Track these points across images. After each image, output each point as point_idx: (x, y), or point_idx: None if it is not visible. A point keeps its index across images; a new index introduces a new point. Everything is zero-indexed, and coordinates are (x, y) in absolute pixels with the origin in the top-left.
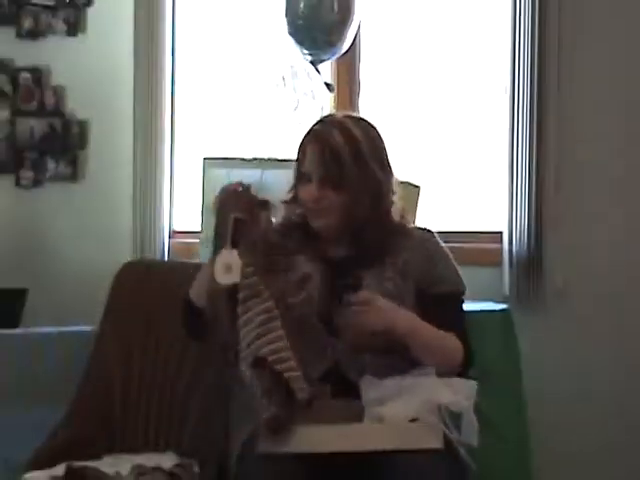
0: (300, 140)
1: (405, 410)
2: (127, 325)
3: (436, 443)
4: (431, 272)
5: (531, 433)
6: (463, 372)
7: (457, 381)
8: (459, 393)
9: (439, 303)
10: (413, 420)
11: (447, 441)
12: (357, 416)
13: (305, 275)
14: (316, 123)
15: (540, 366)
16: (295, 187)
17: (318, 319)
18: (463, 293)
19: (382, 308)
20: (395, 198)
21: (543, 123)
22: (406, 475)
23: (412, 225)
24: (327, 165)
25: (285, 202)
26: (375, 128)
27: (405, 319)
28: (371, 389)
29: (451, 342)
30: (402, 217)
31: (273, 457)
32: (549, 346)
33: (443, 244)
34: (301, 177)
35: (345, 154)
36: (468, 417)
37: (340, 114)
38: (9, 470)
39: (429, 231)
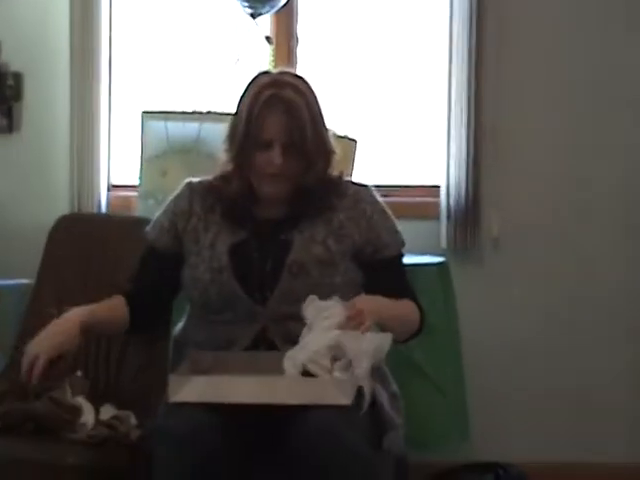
0: (250, 100)
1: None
2: (63, 278)
3: (345, 399)
4: (370, 237)
5: (466, 382)
6: (419, 332)
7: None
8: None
9: (386, 268)
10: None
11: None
12: (270, 369)
13: (232, 244)
14: (266, 82)
15: (477, 315)
16: (244, 150)
17: (233, 272)
18: (402, 249)
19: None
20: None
21: (480, 76)
22: (312, 430)
23: (349, 180)
24: (292, 132)
25: (232, 164)
26: (311, 85)
27: (368, 304)
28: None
29: (409, 309)
30: (340, 173)
31: (185, 406)
32: (486, 295)
33: (380, 200)
34: (258, 141)
35: (307, 121)
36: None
37: (283, 72)
38: None
39: (366, 187)
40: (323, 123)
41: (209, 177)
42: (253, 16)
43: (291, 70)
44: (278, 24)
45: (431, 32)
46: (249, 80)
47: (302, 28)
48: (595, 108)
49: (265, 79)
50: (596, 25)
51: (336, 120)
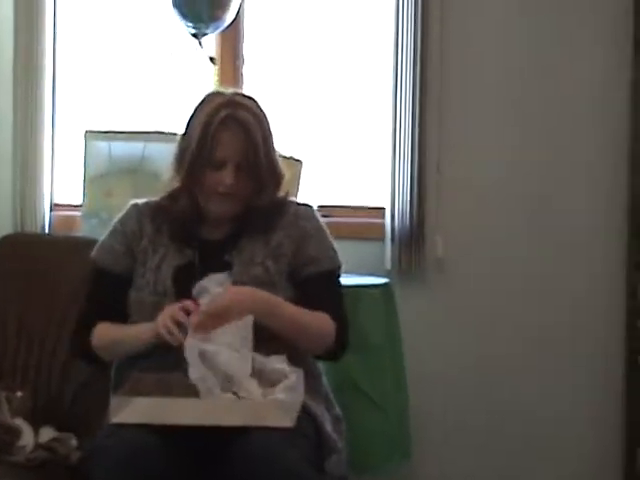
0: (205, 119)
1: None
2: (4, 298)
3: (287, 422)
4: (303, 253)
5: (410, 403)
6: (338, 351)
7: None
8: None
9: (312, 284)
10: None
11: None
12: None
13: (176, 266)
14: (220, 103)
15: (421, 336)
16: (195, 169)
17: (177, 291)
18: (338, 269)
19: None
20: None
21: (424, 98)
22: (255, 451)
23: (292, 200)
24: (246, 153)
25: (180, 183)
26: (261, 107)
27: (262, 301)
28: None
29: (320, 322)
30: (286, 194)
31: (125, 427)
32: (430, 316)
33: (321, 220)
34: (209, 160)
35: (260, 143)
36: None
37: (236, 93)
38: None
39: (308, 206)
40: (274, 146)
41: (155, 198)
42: (196, 36)
43: (242, 91)
44: (223, 44)
45: (376, 53)
46: (199, 100)
47: (248, 48)
48: (543, 128)
49: (219, 99)
50: (550, 41)
51: (282, 141)
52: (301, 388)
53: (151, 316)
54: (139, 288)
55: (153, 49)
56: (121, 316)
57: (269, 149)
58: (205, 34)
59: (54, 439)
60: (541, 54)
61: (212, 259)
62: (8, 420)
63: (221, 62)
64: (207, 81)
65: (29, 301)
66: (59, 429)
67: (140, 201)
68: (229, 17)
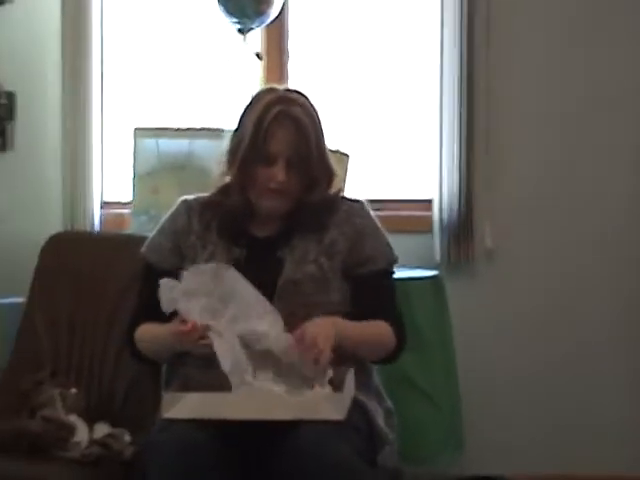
0: (258, 114)
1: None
2: (54, 297)
3: (338, 415)
4: (359, 251)
5: (461, 396)
6: (397, 354)
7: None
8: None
9: (369, 283)
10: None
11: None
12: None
13: (224, 252)
14: (272, 99)
15: (472, 328)
16: (247, 164)
17: None
18: (394, 264)
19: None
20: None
21: (472, 90)
22: (306, 445)
23: (343, 196)
24: (298, 149)
25: (231, 179)
26: (313, 104)
27: (332, 328)
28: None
29: (381, 333)
30: (338, 191)
31: (177, 422)
32: (480, 308)
33: (373, 215)
34: (261, 155)
35: (313, 140)
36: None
37: (289, 90)
38: None
39: (359, 202)
40: (325, 143)
41: (204, 194)
42: (242, 32)
43: (294, 88)
44: (268, 39)
45: (421, 44)
46: (252, 96)
47: (293, 43)
48: (589, 123)
49: (272, 95)
50: (593, 42)
51: (329, 135)
52: (352, 383)
53: None
54: None
55: (200, 46)
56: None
57: (321, 145)
58: (250, 29)
59: (108, 435)
60: (583, 53)
61: (262, 256)
62: (62, 417)
63: (267, 57)
64: (253, 77)
65: (79, 299)
66: (113, 425)
67: (190, 197)
68: (274, 12)
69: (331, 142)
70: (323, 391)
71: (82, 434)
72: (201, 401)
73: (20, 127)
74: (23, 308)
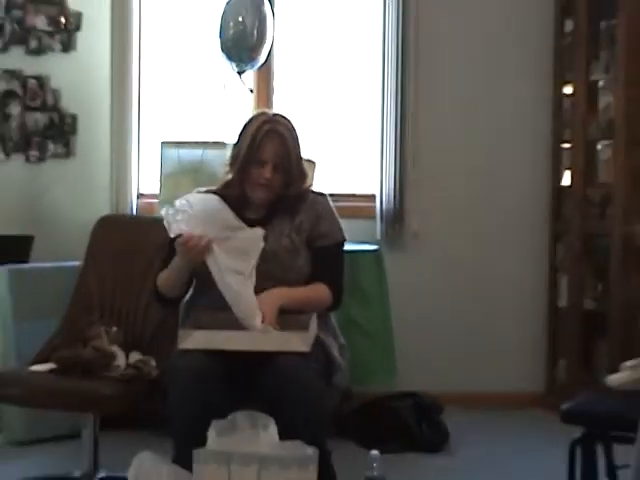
0: (252, 132)
1: None
2: (102, 261)
3: (303, 347)
4: (317, 230)
5: (395, 334)
6: (333, 308)
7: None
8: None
9: (321, 254)
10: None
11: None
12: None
13: None
14: (264, 120)
15: (401, 287)
16: (244, 166)
17: None
18: (343, 242)
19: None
20: None
21: (405, 115)
22: (280, 370)
23: (311, 189)
24: (281, 157)
25: (231, 177)
26: (293, 124)
27: (277, 298)
28: None
29: (320, 292)
30: (308, 187)
31: (189, 352)
32: (408, 276)
33: (331, 204)
34: (255, 160)
35: (292, 151)
36: None
37: (274, 113)
38: (21, 362)
39: (322, 194)
40: (300, 153)
41: (213, 187)
42: (239, 73)
43: (278, 112)
44: (259, 78)
45: (369, 85)
46: (249, 118)
47: (277, 81)
48: (493, 138)
49: (263, 117)
50: (509, 75)
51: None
52: (315, 326)
53: (208, 276)
54: None
55: (209, 81)
56: None
57: (297, 154)
58: (245, 71)
59: (139, 361)
60: (487, 83)
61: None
62: (107, 347)
63: (257, 91)
64: (247, 105)
65: (119, 263)
66: (143, 354)
67: (202, 189)
68: (262, 59)
69: (303, 152)
70: (295, 331)
71: (121, 360)
72: (207, 336)
73: (80, 140)
74: (79, 269)
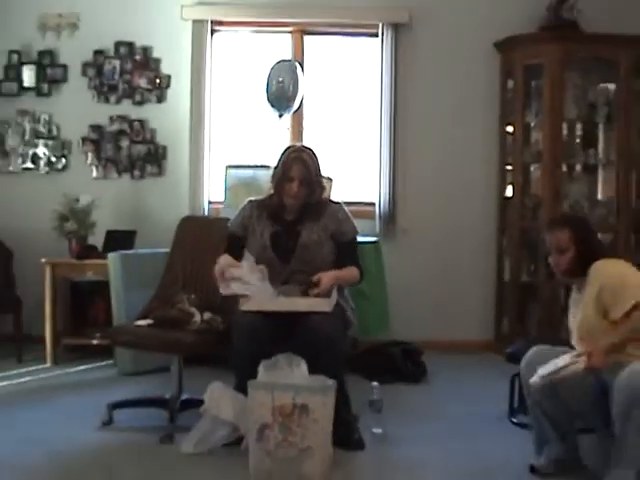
0: (284, 159)
1: None
2: (184, 248)
3: (326, 308)
4: (340, 230)
5: (389, 299)
6: (360, 281)
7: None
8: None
9: (347, 247)
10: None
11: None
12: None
13: (272, 232)
14: (292, 150)
15: (394, 267)
16: (280, 182)
17: (273, 247)
18: (357, 235)
19: (326, 282)
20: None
21: (396, 144)
22: (312, 324)
23: (330, 199)
24: (304, 175)
25: (273, 190)
26: (315, 154)
27: (334, 277)
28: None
29: (354, 272)
30: (327, 197)
31: (247, 312)
32: (399, 261)
33: (346, 209)
34: (287, 178)
35: (311, 170)
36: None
37: (301, 145)
38: (129, 319)
39: (339, 203)
40: (319, 173)
41: (260, 197)
42: (280, 116)
43: (304, 144)
44: (293, 119)
45: (370, 119)
46: (283, 149)
47: (306, 122)
48: (458, 162)
49: (292, 148)
50: (469, 117)
51: (322, 165)
52: (335, 295)
53: (259, 259)
54: (253, 243)
55: (258, 121)
56: (239, 258)
57: (317, 173)
58: (283, 115)
59: (211, 318)
60: (453, 125)
61: (288, 230)
62: (188, 308)
63: (292, 129)
64: (285, 139)
65: (196, 248)
66: (213, 313)
67: (253, 198)
68: (296, 106)
69: (323, 171)
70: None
71: (197, 318)
72: (259, 301)
73: (168, 163)
74: (168, 254)
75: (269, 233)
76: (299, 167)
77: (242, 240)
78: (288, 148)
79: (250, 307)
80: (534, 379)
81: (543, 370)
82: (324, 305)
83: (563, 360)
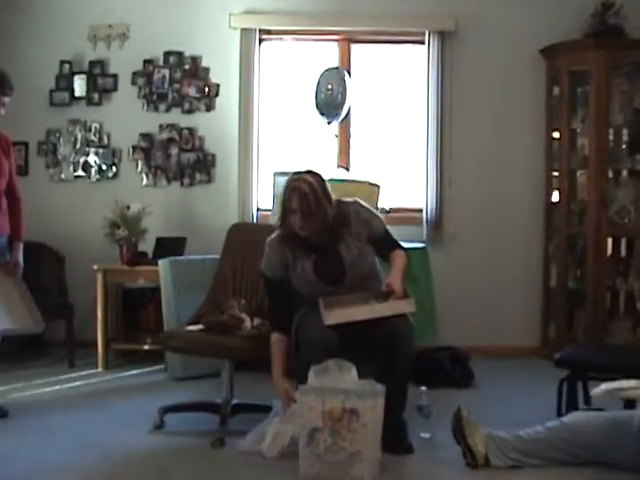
0: (286, 188)
1: None
2: (234, 254)
3: (410, 308)
4: (371, 228)
5: (437, 306)
6: (408, 257)
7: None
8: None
9: (382, 238)
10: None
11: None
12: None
13: (313, 264)
14: (292, 180)
15: (441, 273)
16: (284, 214)
17: (320, 278)
18: (385, 224)
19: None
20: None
21: (443, 149)
22: (390, 326)
23: (340, 200)
24: (303, 207)
25: (280, 225)
26: (321, 176)
27: (399, 276)
28: None
29: (402, 257)
30: (336, 202)
31: (316, 326)
32: (446, 265)
33: (364, 204)
34: (289, 210)
35: (311, 201)
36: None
37: (305, 172)
38: (180, 324)
39: (353, 201)
40: (322, 196)
41: (276, 233)
42: (329, 124)
43: (310, 170)
44: (341, 127)
45: (417, 124)
46: (289, 177)
47: (353, 129)
48: (504, 169)
49: (292, 178)
50: (515, 124)
51: (369, 172)
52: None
53: (307, 294)
54: (296, 282)
55: (307, 128)
56: (289, 300)
57: (317, 202)
58: (331, 122)
59: (260, 324)
60: (500, 132)
61: (325, 252)
62: (238, 314)
63: (340, 136)
64: (333, 146)
65: (244, 254)
66: (262, 319)
67: (271, 237)
68: (344, 113)
69: (369, 177)
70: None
71: (247, 323)
72: (343, 313)
73: (218, 171)
74: (219, 260)
75: (310, 266)
76: (297, 198)
77: (285, 283)
78: (292, 176)
79: (335, 320)
80: (596, 390)
81: (607, 386)
82: (409, 306)
83: (630, 383)
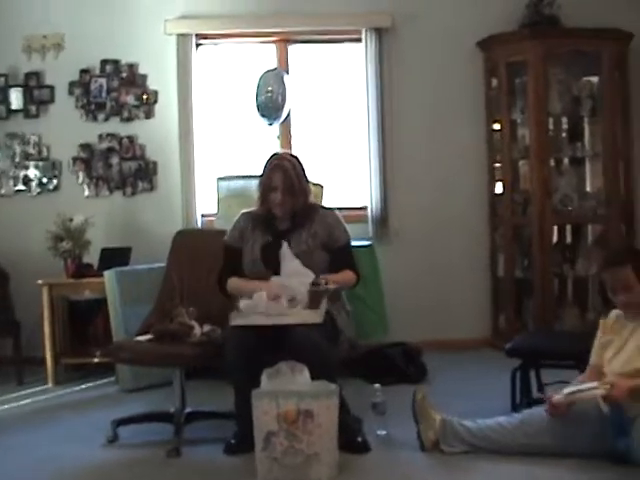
0: (267, 168)
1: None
2: (180, 262)
3: (317, 319)
4: (332, 237)
5: (386, 302)
6: (356, 285)
7: None
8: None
9: (340, 252)
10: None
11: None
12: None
13: (262, 245)
14: (274, 159)
15: (389, 271)
16: (265, 193)
17: (263, 259)
18: (350, 240)
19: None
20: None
21: (385, 148)
22: (299, 336)
23: (321, 205)
24: (285, 183)
25: (259, 201)
26: (299, 159)
27: (336, 279)
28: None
29: (350, 276)
30: (315, 203)
31: (237, 327)
32: (393, 261)
33: (338, 214)
34: (270, 188)
35: (294, 178)
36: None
37: (284, 152)
38: (129, 335)
39: (330, 209)
40: (303, 178)
41: (252, 208)
42: (270, 125)
43: (288, 151)
44: (283, 128)
45: (358, 123)
46: (268, 157)
47: (294, 130)
48: (446, 163)
49: (273, 157)
50: (456, 117)
51: (312, 173)
52: (324, 304)
53: (250, 270)
54: (245, 255)
55: (248, 131)
56: (240, 270)
57: (300, 180)
58: (272, 124)
59: (210, 330)
60: (441, 125)
61: (279, 240)
62: (187, 321)
63: (282, 137)
64: (275, 147)
65: (192, 262)
66: (212, 325)
67: (246, 210)
68: (284, 115)
69: (314, 177)
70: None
71: (197, 330)
72: (249, 316)
73: (160, 179)
74: (165, 268)
75: (259, 245)
76: (280, 176)
77: (239, 253)
78: (269, 157)
79: (239, 322)
80: (558, 396)
81: (567, 390)
82: (314, 317)
83: (587, 384)
